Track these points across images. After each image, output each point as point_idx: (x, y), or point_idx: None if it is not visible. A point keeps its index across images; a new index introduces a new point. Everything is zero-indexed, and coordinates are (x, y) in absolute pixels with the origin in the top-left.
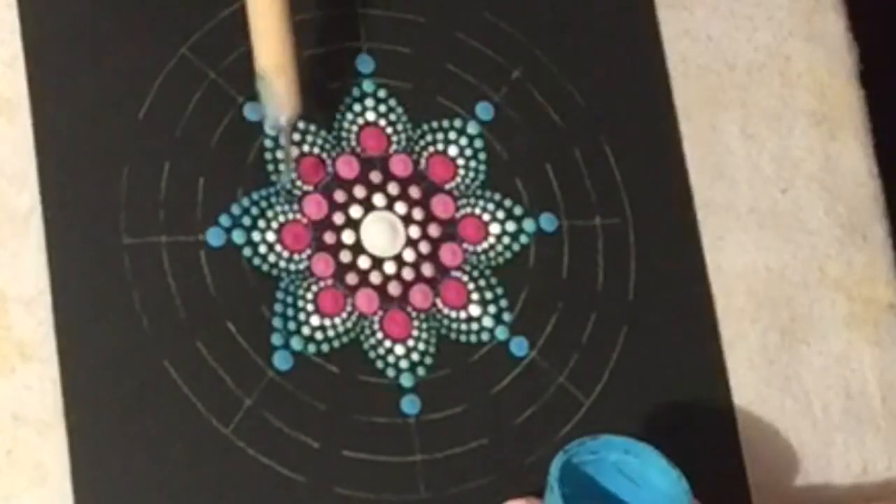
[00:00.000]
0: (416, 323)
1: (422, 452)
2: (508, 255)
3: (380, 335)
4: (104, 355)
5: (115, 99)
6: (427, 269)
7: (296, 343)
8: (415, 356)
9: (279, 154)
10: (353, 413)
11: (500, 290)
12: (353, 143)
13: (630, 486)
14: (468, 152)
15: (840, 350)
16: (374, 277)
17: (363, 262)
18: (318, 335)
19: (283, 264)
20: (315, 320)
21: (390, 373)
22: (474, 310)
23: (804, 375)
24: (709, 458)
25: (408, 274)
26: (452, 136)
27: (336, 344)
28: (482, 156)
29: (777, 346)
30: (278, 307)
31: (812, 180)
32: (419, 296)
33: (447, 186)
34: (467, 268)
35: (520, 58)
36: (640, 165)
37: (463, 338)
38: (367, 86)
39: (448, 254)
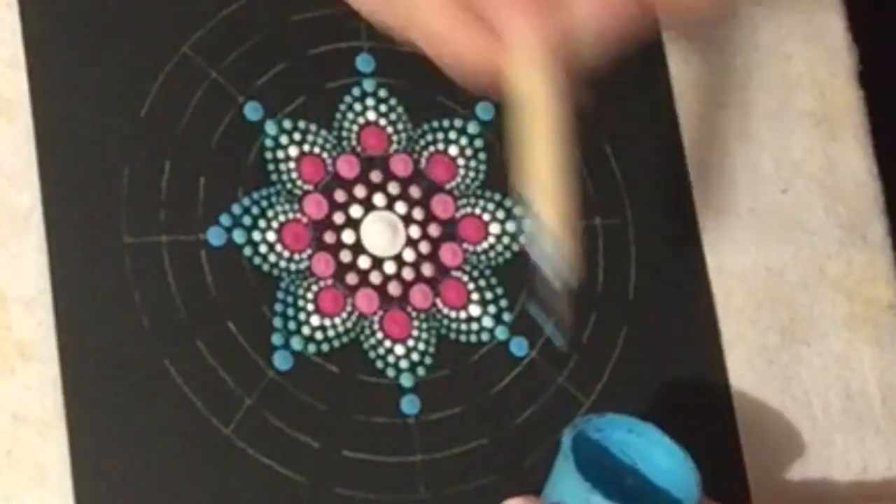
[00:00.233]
0: (416, 323)
1: (422, 452)
2: (508, 255)
3: (380, 335)
4: (104, 355)
5: (115, 98)
6: (427, 269)
7: (296, 343)
8: (415, 356)
9: (549, 312)
10: (353, 413)
11: (500, 290)
12: (354, 142)
13: (635, 465)
14: (468, 152)
15: (840, 350)
16: (374, 277)
17: (363, 262)
18: (318, 335)
19: (283, 264)
20: (315, 320)
21: (390, 373)
22: (474, 310)
23: (804, 375)
24: (708, 457)
25: (408, 274)
26: (453, 135)
27: (336, 344)
28: (482, 156)
29: (777, 346)
30: (279, 307)
31: (812, 180)
32: (419, 296)
33: (447, 186)
34: (467, 268)
35: None
36: (640, 165)
37: (463, 338)
38: (368, 85)
39: (448, 254)
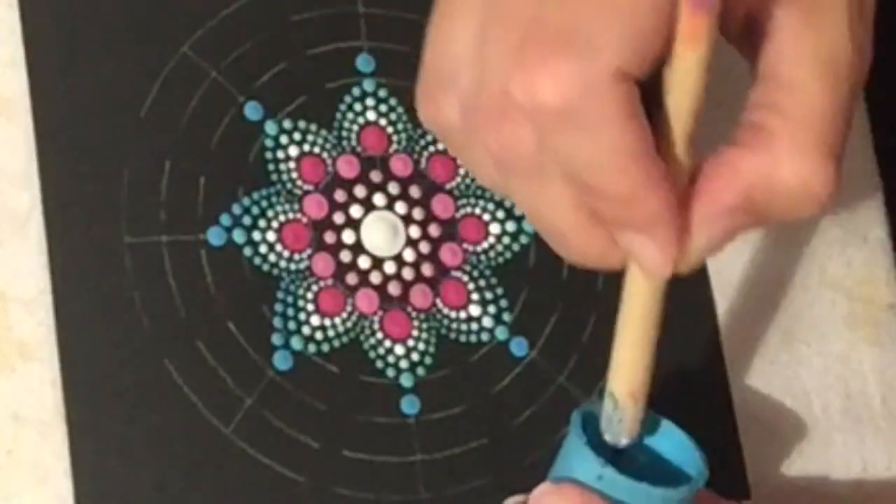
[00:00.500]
0: (416, 323)
1: (421, 452)
2: (508, 255)
3: (380, 335)
4: (104, 355)
5: (115, 98)
6: (427, 269)
7: (296, 343)
8: (415, 356)
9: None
10: (353, 413)
11: (500, 290)
12: (354, 142)
13: (638, 451)
14: None
15: (840, 350)
16: (374, 277)
17: (363, 262)
18: (318, 335)
19: (283, 264)
20: (315, 320)
21: (390, 373)
22: (474, 310)
23: (804, 375)
24: (708, 457)
25: (408, 274)
26: None
27: (336, 344)
28: None
29: (777, 346)
30: (279, 307)
31: None
32: (419, 296)
33: (447, 186)
34: (467, 268)
35: None
36: None
37: (463, 338)
38: (368, 85)
39: (448, 254)
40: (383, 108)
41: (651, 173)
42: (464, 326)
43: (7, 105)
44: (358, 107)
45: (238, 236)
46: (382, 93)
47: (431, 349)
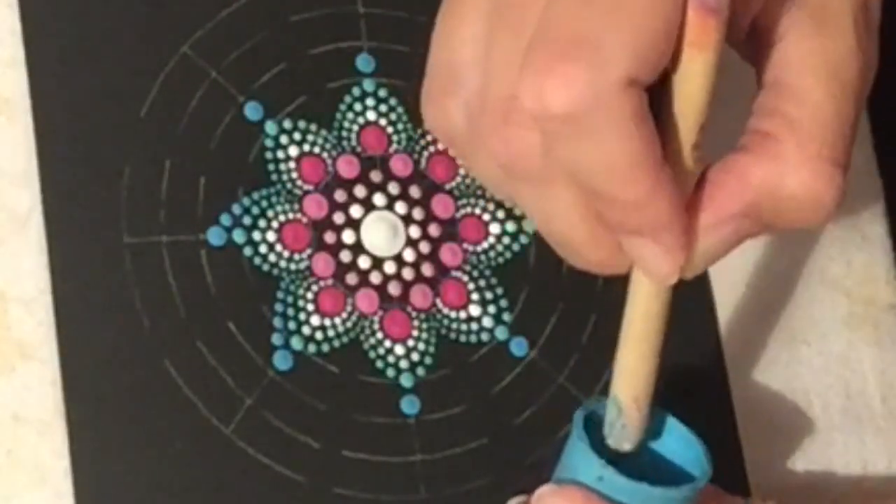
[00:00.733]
0: (416, 323)
1: (421, 452)
2: (508, 255)
3: (380, 335)
4: (104, 355)
5: (115, 98)
6: (427, 269)
7: (296, 343)
8: (415, 356)
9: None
10: (353, 413)
11: (500, 290)
12: (354, 142)
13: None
14: None
15: (840, 350)
16: (374, 277)
17: (363, 262)
18: (318, 335)
19: (283, 264)
20: (315, 320)
21: (390, 373)
22: (474, 310)
23: (804, 375)
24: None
25: (408, 274)
26: None
27: (336, 344)
28: None
29: (777, 345)
30: (279, 307)
31: None
32: (419, 296)
33: (447, 186)
34: (467, 268)
35: None
36: None
37: (463, 338)
38: (368, 85)
39: (448, 254)
40: (383, 108)
41: (658, 180)
42: (464, 326)
43: (7, 105)
44: (358, 107)
45: (238, 236)
46: (382, 93)
47: (431, 349)
